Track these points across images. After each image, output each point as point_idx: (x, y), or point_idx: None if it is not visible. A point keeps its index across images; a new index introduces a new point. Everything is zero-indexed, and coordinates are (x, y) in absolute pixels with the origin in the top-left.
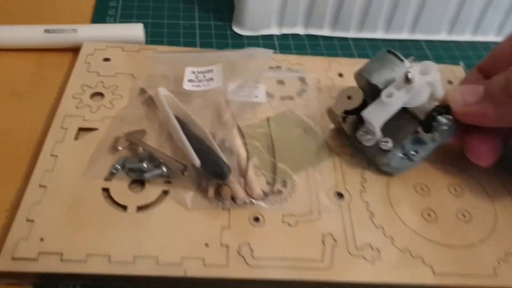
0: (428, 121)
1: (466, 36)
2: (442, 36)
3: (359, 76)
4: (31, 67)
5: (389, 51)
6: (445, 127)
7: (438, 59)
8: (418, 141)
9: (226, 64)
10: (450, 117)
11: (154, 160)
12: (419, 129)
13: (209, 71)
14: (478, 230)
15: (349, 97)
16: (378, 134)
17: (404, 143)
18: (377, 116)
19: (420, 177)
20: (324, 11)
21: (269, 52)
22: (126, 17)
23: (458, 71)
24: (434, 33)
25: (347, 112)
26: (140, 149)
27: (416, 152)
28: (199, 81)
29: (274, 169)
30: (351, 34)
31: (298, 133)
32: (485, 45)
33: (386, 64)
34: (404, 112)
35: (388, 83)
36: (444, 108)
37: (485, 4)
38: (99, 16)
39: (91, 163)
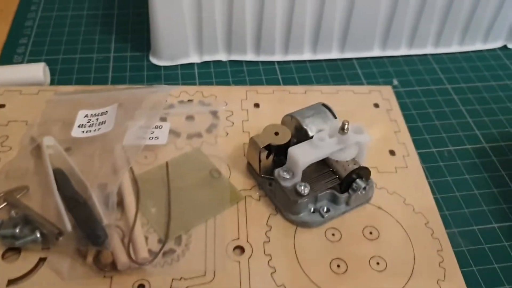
0: (347, 181)
1: (401, 51)
2: (376, 53)
3: (291, 118)
4: None
5: (323, 105)
6: (362, 192)
7: (370, 78)
8: (333, 199)
9: (124, 104)
10: (369, 182)
11: (30, 224)
12: (337, 187)
13: (103, 113)
14: (392, 281)
15: (276, 133)
16: (299, 175)
17: (318, 196)
18: (304, 155)
19: (333, 221)
20: (244, 36)
21: (169, 87)
22: (37, 54)
23: (386, 92)
24: (365, 50)
25: (270, 147)
26: (13, 212)
27: (328, 210)
28: (90, 125)
29: (167, 224)
30: (277, 57)
31: (202, 176)
32: (422, 58)
33: (320, 115)
34: (326, 166)
35: (318, 132)
36: (364, 171)
37: (417, 15)
38: (7, 54)
39: None
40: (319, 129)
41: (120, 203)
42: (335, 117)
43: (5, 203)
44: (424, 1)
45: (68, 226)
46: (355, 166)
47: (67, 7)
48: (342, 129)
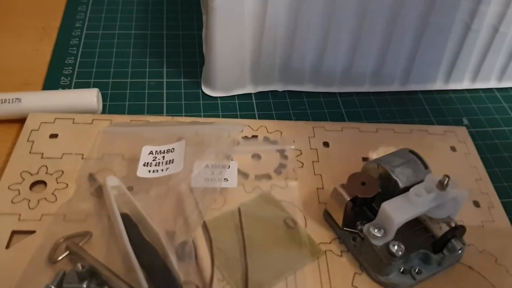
0: (442, 241)
1: (464, 84)
2: (438, 85)
3: (377, 166)
4: None
5: (411, 152)
6: (457, 253)
7: (438, 115)
8: (424, 259)
9: (189, 140)
10: (464, 243)
11: (97, 278)
12: (430, 246)
13: (169, 150)
14: None
15: (363, 183)
16: (392, 234)
17: (410, 256)
18: (400, 213)
19: (423, 283)
20: (303, 66)
21: (240, 125)
22: (84, 77)
23: (461, 133)
24: (429, 82)
25: (355, 199)
26: (79, 265)
27: (420, 271)
28: (157, 164)
29: (245, 281)
30: (336, 88)
31: (276, 225)
32: (490, 95)
33: (410, 165)
34: (418, 223)
35: (409, 184)
36: (459, 231)
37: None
38: (54, 76)
39: (21, 281)
40: (409, 181)
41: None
42: (426, 167)
43: (67, 252)
44: (493, 35)
45: (145, 285)
46: (452, 225)
47: (114, 25)
48: (441, 184)
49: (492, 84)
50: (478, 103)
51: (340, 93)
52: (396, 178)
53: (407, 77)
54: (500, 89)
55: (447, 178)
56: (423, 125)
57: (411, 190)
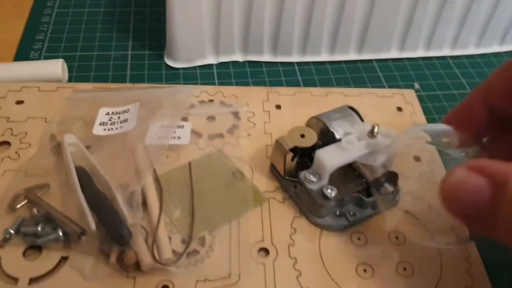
0: (375, 185)
1: (419, 52)
2: (393, 54)
3: (317, 120)
4: None
5: (350, 107)
6: (390, 196)
7: (391, 81)
8: (359, 203)
9: (145, 103)
10: (397, 187)
11: (52, 222)
12: (363, 191)
13: (124, 111)
14: (420, 286)
15: (302, 136)
16: (326, 178)
17: (345, 200)
18: (332, 158)
19: (359, 225)
20: (261, 35)
21: (191, 87)
22: (53, 51)
23: (409, 96)
24: (383, 51)
25: (295, 149)
26: (35, 210)
27: (354, 214)
28: (112, 123)
29: (191, 225)
30: (294, 58)
31: (225, 178)
32: (443, 62)
33: (347, 118)
34: (353, 170)
35: (345, 135)
36: (392, 176)
37: (435, 17)
38: (24, 50)
39: None
40: (346, 132)
41: (143, 203)
42: (362, 120)
43: (25, 201)
44: (443, 4)
45: (93, 225)
46: (383, 171)
47: (84, 3)
48: (371, 133)
49: (446, 52)
50: (430, 69)
51: (298, 63)
52: (333, 130)
53: (362, 46)
54: (453, 57)
55: (376, 127)
56: (372, 88)
57: (344, 138)
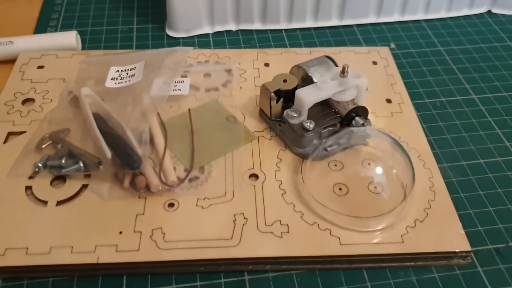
0: (347, 118)
1: (395, 17)
2: (372, 19)
3: (297, 68)
4: None
5: (326, 56)
6: (361, 130)
7: (370, 42)
8: (335, 135)
9: (149, 61)
10: (367, 120)
11: (73, 156)
12: (338, 124)
13: (132, 68)
14: (388, 201)
15: (285, 80)
16: (305, 114)
17: (322, 133)
18: (309, 96)
19: (335, 155)
20: (251, 6)
21: (188, 48)
22: (67, 27)
23: (383, 52)
24: (362, 17)
25: (279, 91)
26: (59, 146)
27: (331, 145)
28: (122, 78)
29: (191, 156)
30: (282, 25)
31: (220, 121)
32: (417, 25)
33: (323, 65)
34: (328, 107)
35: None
36: (362, 110)
37: None
38: (41, 28)
39: (16, 164)
40: (321, 76)
41: (151, 142)
42: (337, 66)
43: (50, 141)
44: None
45: (108, 154)
46: (354, 106)
47: None
48: (342, 72)
49: (419, 16)
50: (406, 31)
51: (285, 29)
52: (311, 74)
53: (342, 12)
54: (426, 20)
55: (346, 66)
56: (351, 46)
57: (319, 79)
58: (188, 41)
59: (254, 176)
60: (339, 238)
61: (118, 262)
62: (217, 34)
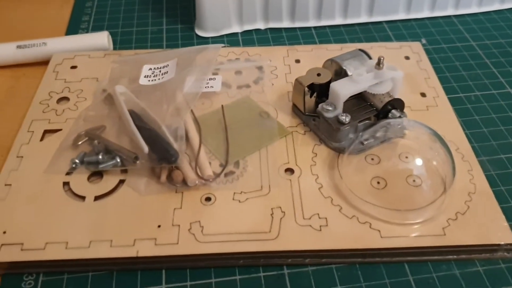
0: (384, 111)
1: (425, 13)
2: (401, 16)
3: (331, 62)
4: (7, 82)
5: (360, 50)
6: (398, 123)
7: (400, 38)
8: (372, 130)
9: (181, 59)
10: (404, 113)
11: (110, 152)
12: (374, 118)
13: (164, 66)
14: (428, 194)
15: (318, 74)
16: (340, 107)
17: (358, 126)
18: (345, 89)
19: (372, 149)
20: (280, 4)
21: (219, 45)
22: (98, 29)
23: (415, 47)
24: (392, 13)
25: (313, 85)
26: (95, 142)
27: (367, 139)
28: (155, 75)
29: (226, 152)
30: (311, 23)
31: (253, 117)
32: (447, 20)
33: (357, 58)
34: (364, 101)
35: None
36: (398, 102)
37: None
38: (73, 29)
39: (53, 160)
40: (356, 69)
41: (186, 138)
42: (371, 58)
43: (86, 138)
44: None
45: (146, 149)
46: (390, 98)
47: None
48: (378, 64)
49: (450, 11)
50: (436, 27)
51: (314, 27)
52: (345, 68)
53: (372, 8)
54: (456, 16)
55: (382, 58)
56: (382, 42)
57: (354, 72)
58: (218, 41)
59: (290, 170)
60: (379, 231)
61: (158, 256)
62: (246, 33)
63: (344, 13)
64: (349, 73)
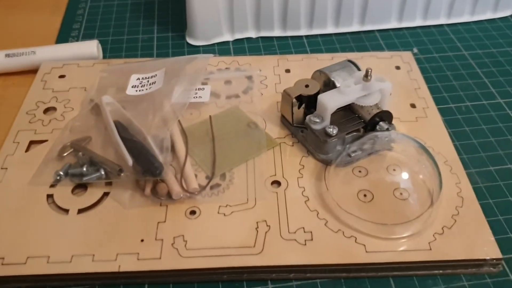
0: (371, 123)
1: (417, 22)
2: (393, 24)
3: (319, 73)
4: None
5: (349, 60)
6: (386, 136)
7: (392, 48)
8: (359, 142)
9: (170, 68)
10: (392, 125)
11: (95, 164)
12: (361, 130)
13: (152, 76)
14: (415, 207)
15: (306, 86)
16: (327, 119)
17: (345, 138)
18: (332, 100)
19: (359, 161)
20: (271, 13)
21: (208, 55)
22: (88, 37)
23: (406, 57)
24: (384, 22)
25: (301, 97)
26: (80, 154)
27: (354, 151)
28: (142, 85)
29: (213, 163)
30: (303, 32)
31: (241, 128)
32: (440, 29)
33: (345, 69)
34: (352, 112)
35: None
36: (386, 115)
37: None
38: (63, 38)
39: (37, 172)
40: (345, 81)
41: (172, 149)
42: (359, 70)
43: (71, 149)
44: None
45: (130, 161)
46: (378, 110)
47: None
48: (366, 76)
49: (442, 20)
50: (428, 36)
51: (306, 36)
52: (333, 79)
53: (364, 17)
54: (449, 25)
55: (370, 70)
56: (373, 51)
57: (342, 83)
58: (209, 49)
59: (277, 183)
60: (364, 245)
61: (140, 271)
62: (237, 41)
63: (336, 22)
64: (337, 84)
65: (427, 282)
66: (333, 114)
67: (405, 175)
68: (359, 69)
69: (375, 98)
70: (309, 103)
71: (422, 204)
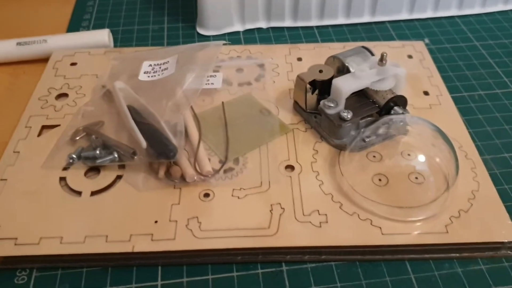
0: (386, 108)
1: (428, 13)
2: (404, 16)
3: (333, 58)
4: (7, 79)
5: (363, 46)
6: (400, 120)
7: (403, 38)
8: (374, 127)
9: (182, 55)
10: (406, 110)
11: (108, 147)
12: (376, 115)
13: (165, 63)
14: (431, 191)
15: (320, 71)
16: (342, 104)
17: (360, 123)
18: (346, 85)
19: (374, 147)
20: (282, 3)
21: (220, 42)
22: (99, 27)
23: (418, 46)
24: (395, 13)
25: (315, 82)
26: (93, 137)
27: (369, 136)
28: (155, 72)
29: (226, 148)
30: (313, 22)
31: (254, 114)
32: (451, 20)
33: (360, 55)
34: (366, 97)
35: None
36: (401, 99)
37: None
38: (74, 27)
39: (50, 155)
40: (360, 66)
41: (185, 134)
42: (373, 55)
43: (84, 133)
44: None
45: (144, 144)
46: (393, 95)
47: None
48: (381, 60)
49: (453, 12)
50: (439, 27)
51: (317, 26)
52: (348, 64)
53: (375, 8)
54: (460, 16)
55: (385, 54)
56: (385, 41)
57: (356, 68)
58: (219, 39)
59: (290, 167)
60: (380, 228)
61: (154, 251)
62: (247, 31)
63: (347, 13)
64: (351, 69)
65: (443, 265)
66: (347, 99)
67: (420, 159)
68: (373, 55)
69: (390, 83)
70: (322, 88)
71: (438, 188)
